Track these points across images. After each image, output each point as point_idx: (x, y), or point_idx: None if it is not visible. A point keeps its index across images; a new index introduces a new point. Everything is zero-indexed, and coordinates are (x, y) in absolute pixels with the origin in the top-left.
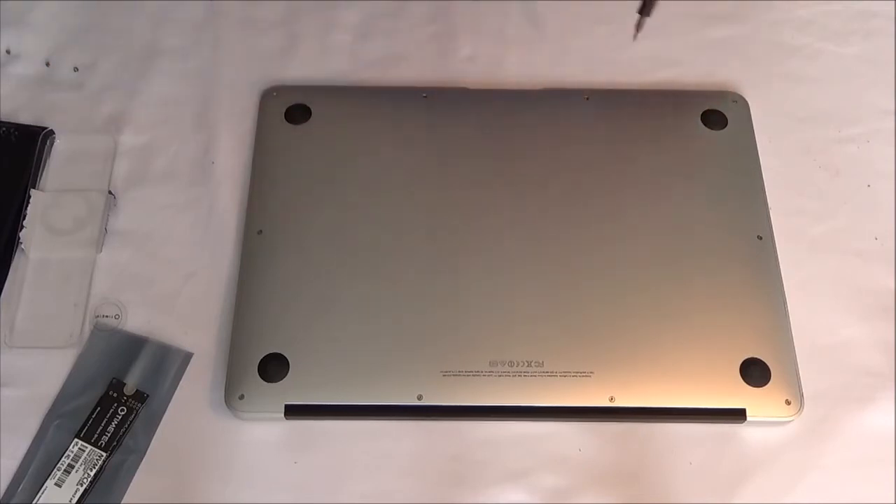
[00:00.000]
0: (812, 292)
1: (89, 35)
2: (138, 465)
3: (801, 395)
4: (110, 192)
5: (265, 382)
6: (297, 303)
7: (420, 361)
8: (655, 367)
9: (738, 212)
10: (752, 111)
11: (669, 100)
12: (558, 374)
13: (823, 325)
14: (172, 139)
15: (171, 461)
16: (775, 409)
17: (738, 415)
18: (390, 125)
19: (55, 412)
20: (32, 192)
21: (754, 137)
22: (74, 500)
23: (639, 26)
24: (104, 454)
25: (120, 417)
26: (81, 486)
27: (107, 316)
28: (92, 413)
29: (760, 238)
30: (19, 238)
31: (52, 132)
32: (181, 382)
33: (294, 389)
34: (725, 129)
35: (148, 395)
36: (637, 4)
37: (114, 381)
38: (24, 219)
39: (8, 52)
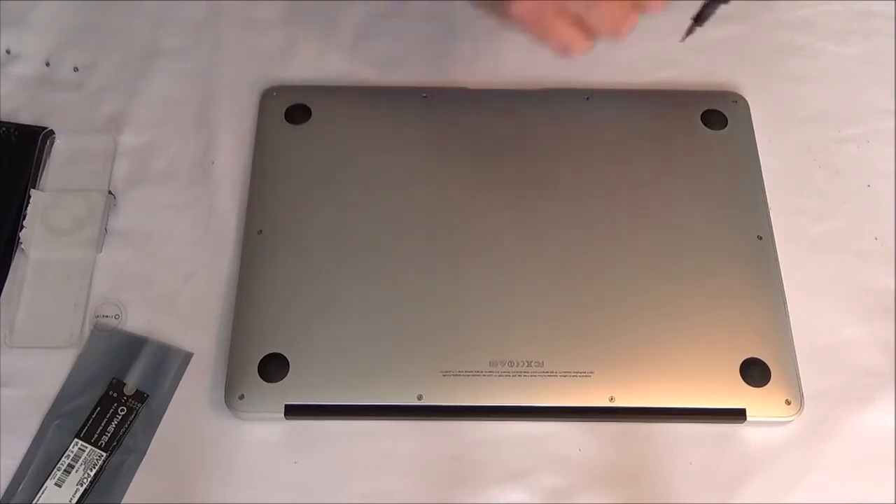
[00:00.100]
0: (812, 292)
1: (89, 35)
2: (138, 465)
3: (801, 395)
4: (110, 192)
5: (265, 382)
6: (297, 303)
7: (420, 361)
8: (655, 367)
9: (738, 212)
10: (752, 111)
11: (669, 100)
12: (558, 374)
13: (823, 325)
14: (172, 139)
15: (171, 461)
16: (775, 409)
17: (738, 415)
18: (390, 125)
19: (55, 412)
20: (32, 192)
21: (754, 137)
22: (74, 500)
23: (689, 32)
24: (104, 454)
25: (120, 417)
26: (81, 486)
27: (107, 316)
28: (92, 413)
29: (760, 238)
30: (19, 238)
31: (52, 132)
32: (181, 382)
33: (294, 389)
34: (725, 129)
35: (148, 395)
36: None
37: (114, 381)
38: (24, 219)
39: (8, 52)
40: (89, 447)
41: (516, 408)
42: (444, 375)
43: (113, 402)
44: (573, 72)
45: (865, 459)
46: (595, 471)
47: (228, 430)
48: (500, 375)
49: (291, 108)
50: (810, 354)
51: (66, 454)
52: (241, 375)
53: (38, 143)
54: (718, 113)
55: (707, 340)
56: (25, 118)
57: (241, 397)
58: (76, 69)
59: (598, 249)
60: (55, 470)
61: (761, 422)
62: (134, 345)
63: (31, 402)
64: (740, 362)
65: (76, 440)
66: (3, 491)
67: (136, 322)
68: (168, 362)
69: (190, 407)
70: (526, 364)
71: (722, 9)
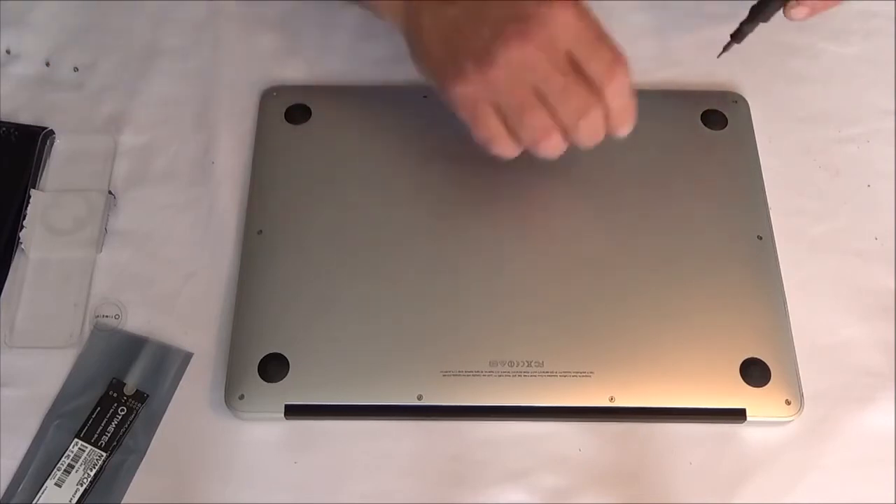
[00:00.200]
0: (812, 292)
1: (89, 35)
2: (138, 465)
3: (801, 395)
4: (110, 192)
5: (265, 382)
6: (297, 303)
7: (420, 361)
8: (655, 367)
9: (738, 212)
10: (752, 111)
11: (669, 100)
12: (558, 374)
13: (823, 325)
14: (172, 139)
15: (171, 461)
16: (775, 409)
17: (738, 415)
18: (390, 125)
19: (55, 412)
20: (32, 192)
21: (754, 137)
22: (74, 500)
23: (726, 48)
24: (104, 454)
25: (120, 417)
26: (81, 486)
27: (107, 316)
28: (92, 413)
29: (760, 238)
30: (19, 238)
31: (52, 132)
32: (181, 382)
33: (294, 389)
34: (725, 129)
35: (148, 395)
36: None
37: (114, 381)
38: (24, 219)
39: (8, 52)
40: (89, 447)
41: (516, 408)
42: (444, 375)
43: (113, 402)
44: None
45: (865, 459)
46: (595, 471)
47: (228, 430)
48: (500, 375)
49: (291, 108)
50: (810, 354)
51: (66, 454)
52: (241, 375)
53: (38, 143)
54: (718, 113)
55: (707, 340)
56: (25, 118)
57: (241, 397)
58: (76, 69)
59: (598, 249)
60: (55, 470)
61: (761, 422)
62: (134, 345)
63: (31, 402)
64: (740, 362)
65: (76, 440)
66: (3, 491)
67: (136, 322)
68: (168, 362)
69: (190, 407)
70: (526, 364)
71: (722, 9)
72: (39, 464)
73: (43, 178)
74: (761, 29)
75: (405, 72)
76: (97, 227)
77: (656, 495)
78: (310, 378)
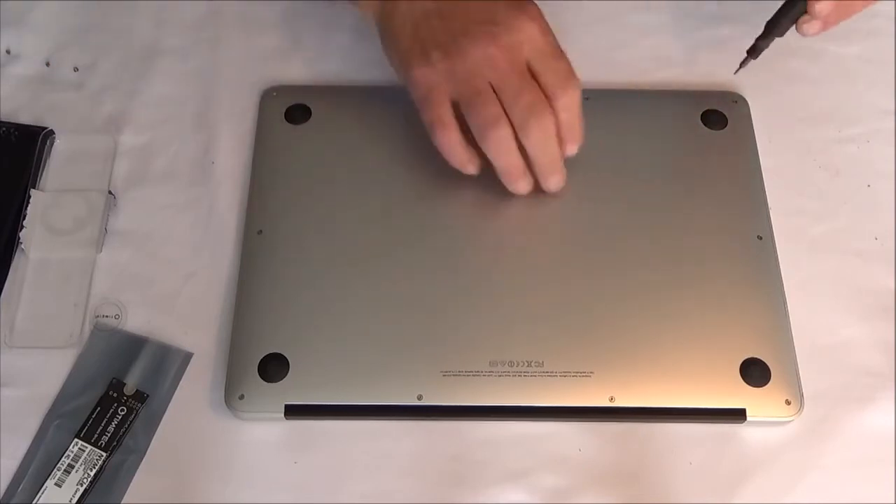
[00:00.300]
0: (812, 292)
1: (89, 35)
2: (138, 465)
3: (801, 395)
4: (110, 192)
5: (265, 382)
6: (297, 303)
7: (420, 361)
8: (655, 367)
9: (738, 212)
10: (752, 111)
11: (669, 100)
12: (558, 374)
13: (823, 325)
14: (172, 139)
15: (171, 461)
16: (775, 409)
17: (738, 415)
18: (390, 125)
19: (55, 412)
20: (32, 192)
21: (754, 137)
22: (74, 500)
23: (743, 64)
24: (104, 454)
25: (120, 417)
26: (81, 486)
27: (107, 316)
28: (92, 413)
29: (760, 238)
30: (19, 238)
31: (52, 132)
32: (181, 382)
33: (294, 389)
34: (725, 129)
35: (148, 395)
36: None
37: (114, 381)
38: (24, 219)
39: (8, 52)
40: (89, 447)
41: (516, 408)
42: (444, 375)
43: (113, 402)
44: None
45: (865, 459)
46: (595, 471)
47: (228, 430)
48: (500, 375)
49: (291, 108)
50: (810, 354)
51: (66, 454)
52: (241, 375)
53: (38, 143)
54: (718, 113)
55: (707, 340)
56: (25, 118)
57: (241, 397)
58: (76, 69)
59: (597, 249)
60: (55, 470)
61: (761, 422)
62: (134, 345)
63: (31, 402)
64: (740, 362)
65: (76, 440)
66: (3, 491)
67: (136, 322)
68: (168, 362)
69: (190, 407)
70: (526, 364)
71: (722, 9)
72: (39, 464)
73: (43, 178)
74: (761, 29)
75: None
76: (97, 227)
77: (656, 495)
78: (310, 378)
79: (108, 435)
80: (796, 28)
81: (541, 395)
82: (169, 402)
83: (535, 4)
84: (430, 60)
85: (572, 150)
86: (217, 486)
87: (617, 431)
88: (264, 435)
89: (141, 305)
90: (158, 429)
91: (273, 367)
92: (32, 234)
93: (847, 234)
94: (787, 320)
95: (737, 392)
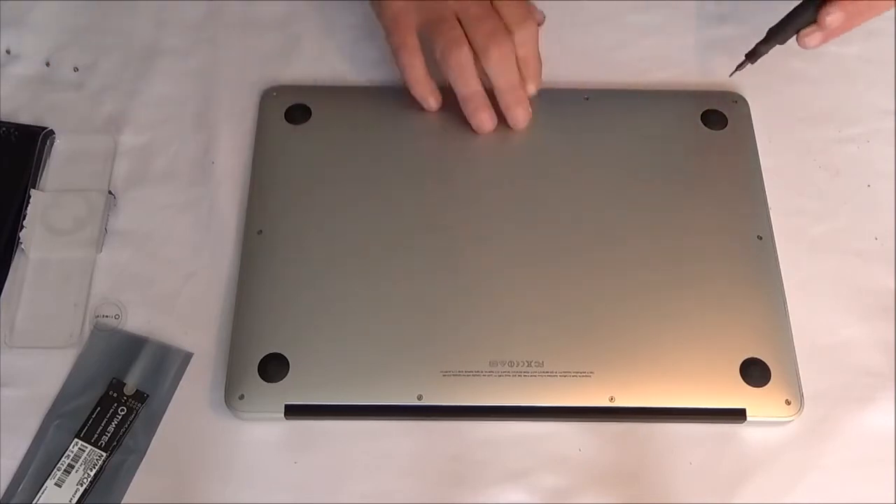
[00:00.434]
0: (812, 292)
1: (89, 35)
2: (138, 465)
3: (801, 395)
4: (110, 192)
5: (265, 382)
6: (297, 303)
7: (420, 361)
8: (655, 367)
9: (738, 212)
10: (752, 111)
11: (669, 100)
12: (558, 374)
13: (823, 325)
14: (172, 139)
15: (171, 461)
16: (775, 409)
17: (738, 415)
18: (390, 125)
19: (55, 412)
20: (32, 192)
21: (754, 137)
22: (74, 500)
23: (740, 67)
24: (104, 454)
25: (120, 417)
26: (81, 486)
27: (107, 316)
28: (92, 413)
29: (760, 238)
30: (19, 238)
31: (52, 132)
32: (181, 382)
33: (294, 389)
34: (725, 129)
35: (148, 395)
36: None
37: (114, 381)
38: (24, 219)
39: (8, 52)
40: (89, 447)
41: (516, 408)
42: (444, 375)
43: (113, 402)
44: (573, 72)
45: (865, 459)
46: (595, 471)
47: (228, 430)
48: (500, 375)
49: (291, 108)
50: (810, 354)
51: (66, 454)
52: (241, 375)
53: (38, 143)
54: (718, 113)
55: (707, 340)
56: (25, 118)
57: (241, 397)
58: (76, 69)
59: (597, 249)
60: (55, 470)
61: (761, 422)
62: (134, 345)
63: (31, 402)
64: (740, 362)
65: (76, 440)
66: (3, 491)
67: (136, 322)
68: (168, 362)
69: (190, 407)
70: (526, 364)
71: (722, 9)
72: (39, 464)
73: (43, 178)
74: (761, 29)
75: None
76: (97, 227)
77: (656, 495)
78: (310, 378)
79: (108, 435)
80: (797, 39)
81: (541, 395)
82: (169, 402)
83: None
84: None
85: (532, 88)
86: (217, 486)
87: (617, 431)
88: (264, 435)
89: (141, 305)
90: (158, 429)
91: (273, 367)
92: (32, 234)
93: (847, 234)
94: (787, 320)
95: (737, 392)
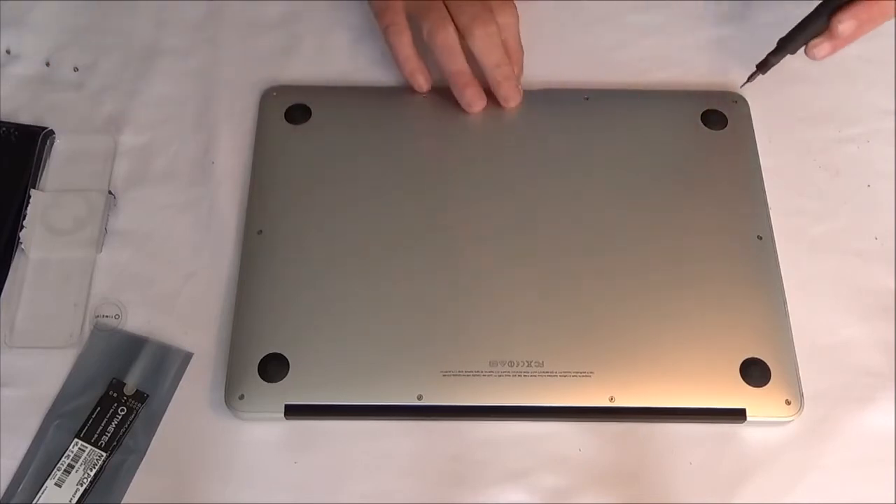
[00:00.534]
0: (812, 292)
1: (89, 35)
2: (138, 465)
3: (801, 395)
4: (110, 192)
5: (265, 382)
6: (297, 303)
7: (420, 361)
8: (655, 367)
9: (738, 212)
10: (752, 111)
11: (669, 100)
12: (558, 374)
13: (823, 325)
14: (172, 139)
15: (171, 461)
16: (775, 409)
17: (738, 415)
18: (390, 125)
19: (55, 412)
20: (32, 192)
21: (754, 137)
22: (74, 500)
23: (751, 78)
24: (104, 454)
25: (120, 417)
26: (81, 486)
27: (107, 316)
28: (92, 413)
29: (760, 238)
30: (19, 238)
31: (52, 132)
32: (181, 382)
33: (294, 389)
34: (725, 129)
35: (148, 395)
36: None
37: (114, 381)
38: (24, 219)
39: (8, 52)
40: (89, 447)
41: (516, 408)
42: (444, 375)
43: (113, 402)
44: (573, 72)
45: (865, 459)
46: (595, 471)
47: (228, 430)
48: (500, 375)
49: (291, 108)
50: (810, 354)
51: (66, 454)
52: (241, 375)
53: (38, 143)
54: (718, 113)
55: (707, 340)
56: (25, 118)
57: (241, 397)
58: (76, 69)
59: (597, 249)
60: (55, 470)
61: (761, 422)
62: (134, 345)
63: (31, 402)
64: (740, 362)
65: (76, 440)
66: (3, 491)
67: (136, 322)
68: (168, 362)
69: (190, 407)
70: (526, 364)
71: (722, 9)
72: (39, 464)
73: (43, 178)
74: (761, 29)
75: None
76: (97, 227)
77: (656, 495)
78: (310, 378)
79: (108, 435)
80: (805, 50)
81: (541, 395)
82: (169, 402)
83: None
84: None
85: (515, 72)
86: (217, 486)
87: (617, 431)
88: (264, 435)
89: (141, 305)
90: (158, 429)
91: (273, 367)
92: (32, 234)
93: (847, 234)
94: (787, 320)
95: (737, 392)
